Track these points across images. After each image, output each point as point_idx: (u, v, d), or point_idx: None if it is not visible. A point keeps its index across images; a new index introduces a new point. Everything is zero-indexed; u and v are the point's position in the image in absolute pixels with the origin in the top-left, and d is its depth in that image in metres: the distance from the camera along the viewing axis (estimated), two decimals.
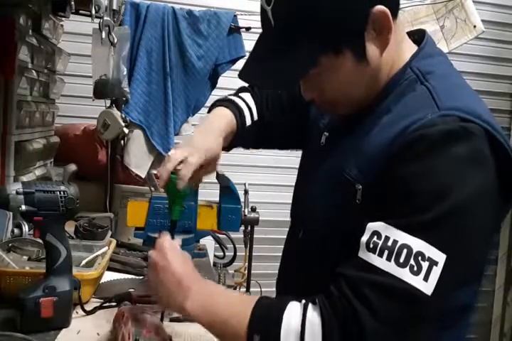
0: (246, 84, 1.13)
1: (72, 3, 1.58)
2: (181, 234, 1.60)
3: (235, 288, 1.83)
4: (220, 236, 2.10)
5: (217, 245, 2.19)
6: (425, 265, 0.66)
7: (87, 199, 1.70)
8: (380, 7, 0.73)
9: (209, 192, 1.33)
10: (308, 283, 0.75)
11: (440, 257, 0.67)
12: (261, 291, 1.89)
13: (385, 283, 0.67)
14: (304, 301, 0.73)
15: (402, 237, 0.67)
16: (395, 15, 0.76)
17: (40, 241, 1.08)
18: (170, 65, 2.16)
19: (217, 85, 2.27)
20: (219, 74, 2.26)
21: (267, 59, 0.78)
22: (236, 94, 1.11)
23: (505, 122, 3.37)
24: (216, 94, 2.31)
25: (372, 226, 0.70)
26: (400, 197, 0.69)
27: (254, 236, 1.88)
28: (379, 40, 0.76)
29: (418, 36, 0.87)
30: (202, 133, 0.98)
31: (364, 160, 0.77)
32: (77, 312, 1.12)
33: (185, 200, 1.01)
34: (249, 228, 1.63)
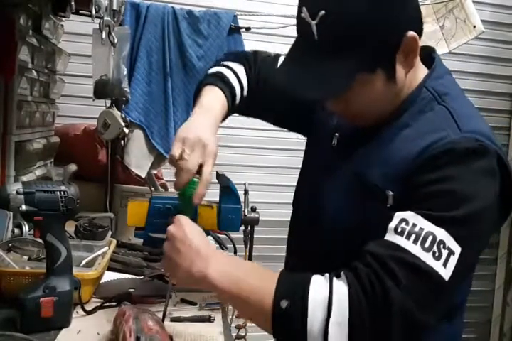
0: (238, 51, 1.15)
1: (73, 3, 1.58)
2: None
3: None
4: (220, 236, 2.10)
5: (217, 245, 2.19)
6: (445, 253, 0.74)
7: (88, 199, 1.70)
8: (412, 33, 0.81)
9: (209, 192, 1.33)
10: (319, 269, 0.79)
11: (457, 248, 0.75)
12: None
13: (411, 261, 0.73)
14: (327, 274, 0.77)
15: (428, 226, 0.75)
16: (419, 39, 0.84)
17: (41, 241, 1.08)
18: (170, 65, 2.16)
19: None
20: None
21: (307, 71, 0.82)
22: (230, 67, 1.09)
23: (504, 122, 3.36)
24: None
25: (400, 214, 0.77)
26: (431, 195, 0.77)
27: (255, 236, 1.87)
28: (406, 63, 0.84)
29: (424, 53, 0.92)
30: (203, 125, 0.96)
31: (390, 170, 0.84)
32: (77, 312, 1.12)
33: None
34: (249, 228, 1.63)
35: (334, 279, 0.75)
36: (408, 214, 0.76)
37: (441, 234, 0.74)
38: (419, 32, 0.83)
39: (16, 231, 1.39)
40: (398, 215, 0.77)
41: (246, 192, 1.32)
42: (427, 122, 0.85)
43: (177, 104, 2.20)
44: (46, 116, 1.88)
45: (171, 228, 0.88)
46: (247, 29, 2.27)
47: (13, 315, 1.03)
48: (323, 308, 0.72)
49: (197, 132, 0.93)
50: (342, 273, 0.76)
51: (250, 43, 2.39)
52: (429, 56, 0.94)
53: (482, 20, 2.32)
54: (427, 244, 0.73)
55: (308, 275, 0.77)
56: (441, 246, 0.74)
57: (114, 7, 1.80)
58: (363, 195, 0.87)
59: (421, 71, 0.91)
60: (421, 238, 0.74)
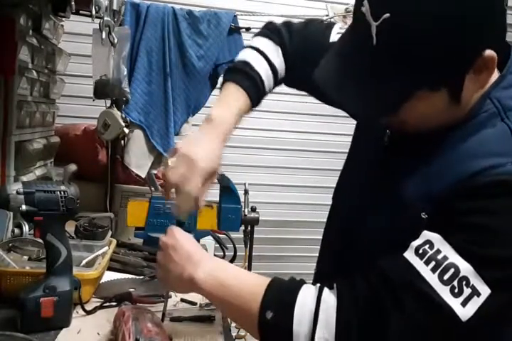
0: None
1: (73, 3, 1.58)
2: None
3: None
4: (220, 236, 2.10)
5: (217, 245, 2.19)
6: (467, 291, 0.65)
7: (88, 199, 1.70)
8: (490, 52, 0.68)
9: (209, 192, 1.34)
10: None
11: (484, 290, 0.65)
12: None
13: (423, 291, 0.66)
14: (319, 284, 0.73)
15: (454, 257, 0.66)
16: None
17: (41, 241, 1.08)
18: (170, 65, 2.16)
19: (218, 85, 2.27)
20: (219, 75, 2.26)
21: (359, 79, 0.72)
22: (262, 52, 0.99)
23: None
24: (216, 95, 2.31)
25: (427, 234, 0.69)
26: (469, 225, 0.68)
27: (254, 236, 1.88)
28: (477, 82, 0.72)
29: (501, 47, 0.76)
30: (209, 144, 0.90)
31: (431, 188, 0.74)
32: (77, 312, 1.12)
33: None
34: (249, 228, 1.63)
35: (325, 290, 0.71)
36: (436, 237, 0.68)
37: (466, 270, 0.65)
38: (501, 49, 0.71)
39: (16, 231, 1.39)
40: (425, 235, 0.69)
41: (246, 192, 1.32)
42: (485, 141, 0.73)
43: (177, 104, 2.20)
44: (46, 116, 1.88)
45: (163, 237, 0.88)
46: (247, 29, 2.27)
47: (13, 315, 1.03)
48: (309, 322, 0.69)
49: (193, 149, 0.88)
50: (335, 284, 0.71)
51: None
52: (505, 54, 0.78)
53: None
54: (446, 276, 0.66)
55: (298, 285, 0.74)
56: (464, 282, 0.65)
57: (114, 7, 1.80)
58: (398, 216, 0.77)
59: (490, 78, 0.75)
60: (441, 268, 0.66)
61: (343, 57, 0.75)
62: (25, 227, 1.39)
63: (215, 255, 2.25)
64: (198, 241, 1.70)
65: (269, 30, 1.04)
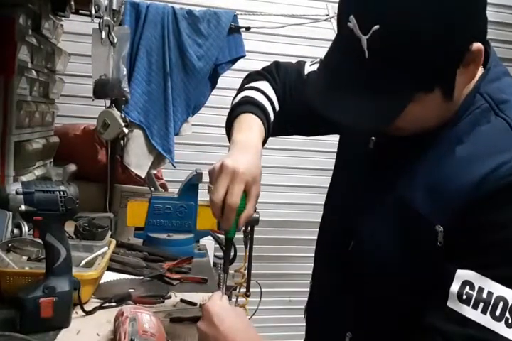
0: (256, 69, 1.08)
1: (72, 3, 1.58)
2: (181, 234, 1.60)
3: (234, 289, 1.84)
4: (220, 236, 2.10)
5: (217, 245, 2.19)
6: None
7: (87, 199, 1.70)
8: (477, 45, 0.68)
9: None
10: (358, 308, 0.72)
11: None
12: (261, 291, 1.89)
13: (482, 338, 0.65)
14: None
15: (497, 289, 0.64)
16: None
17: (40, 241, 1.08)
18: (170, 65, 2.16)
19: (217, 85, 2.27)
20: (219, 74, 2.26)
21: (353, 93, 0.71)
22: (254, 87, 1.03)
23: None
24: (216, 94, 2.31)
25: (462, 274, 0.67)
26: (496, 244, 0.66)
27: (254, 236, 1.88)
28: (466, 76, 0.71)
29: (485, 40, 0.79)
30: (247, 157, 0.89)
31: (440, 198, 0.71)
32: (76, 313, 1.12)
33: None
34: (249, 228, 1.63)
35: None
36: (472, 275, 0.65)
37: None
38: (484, 39, 0.71)
39: (16, 231, 1.38)
40: (460, 276, 0.66)
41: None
42: (484, 139, 0.71)
43: (177, 104, 2.19)
44: (46, 116, 1.87)
45: (200, 325, 0.84)
46: (247, 29, 2.27)
47: (12, 316, 1.03)
48: None
49: (250, 167, 0.87)
50: None
51: (250, 43, 2.39)
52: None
53: None
54: (497, 312, 0.64)
55: None
56: None
57: (114, 7, 1.80)
58: (406, 226, 0.74)
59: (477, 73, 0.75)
60: (491, 306, 0.64)
61: (333, 73, 0.74)
62: (25, 227, 1.39)
63: (215, 255, 2.25)
64: (198, 241, 1.70)
65: (258, 75, 1.07)
